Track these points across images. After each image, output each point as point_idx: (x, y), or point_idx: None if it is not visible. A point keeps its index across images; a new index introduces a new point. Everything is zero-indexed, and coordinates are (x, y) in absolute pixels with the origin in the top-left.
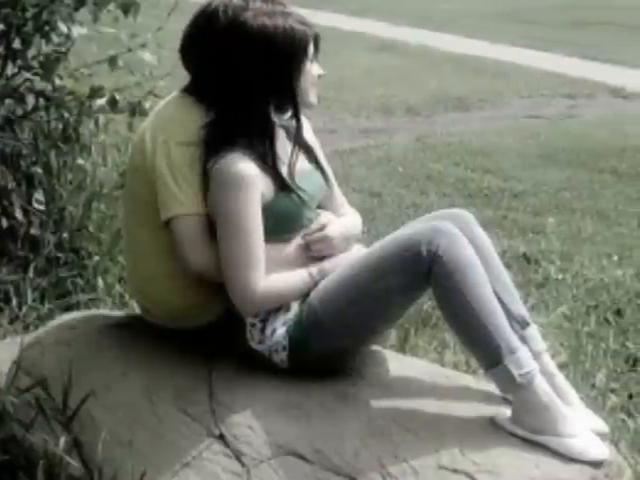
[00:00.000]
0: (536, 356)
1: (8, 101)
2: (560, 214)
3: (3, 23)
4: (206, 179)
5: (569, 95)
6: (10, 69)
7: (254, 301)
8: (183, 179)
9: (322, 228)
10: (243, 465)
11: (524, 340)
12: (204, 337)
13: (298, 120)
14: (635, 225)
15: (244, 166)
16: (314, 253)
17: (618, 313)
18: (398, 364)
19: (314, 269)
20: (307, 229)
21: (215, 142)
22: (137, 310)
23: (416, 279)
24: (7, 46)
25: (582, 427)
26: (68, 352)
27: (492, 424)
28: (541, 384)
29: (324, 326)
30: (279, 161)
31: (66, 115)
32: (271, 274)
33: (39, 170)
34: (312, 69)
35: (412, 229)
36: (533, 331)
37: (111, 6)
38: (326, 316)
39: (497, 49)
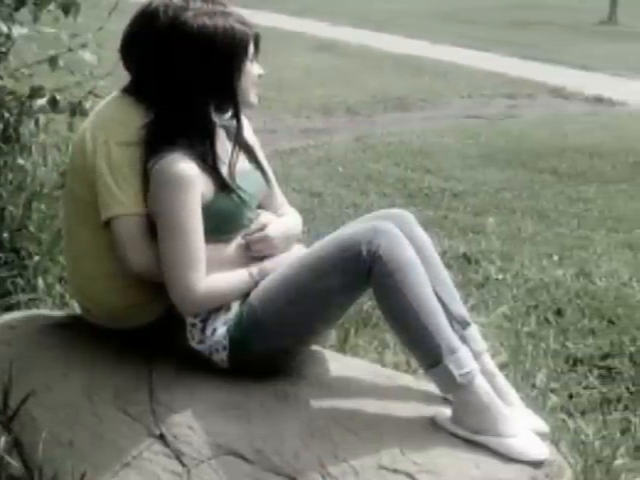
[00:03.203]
0: (476, 356)
1: None
2: (500, 214)
3: None
4: (146, 179)
5: (509, 95)
6: None
7: (194, 301)
8: (123, 179)
9: (262, 228)
10: (183, 465)
11: (464, 340)
12: (144, 337)
13: (238, 120)
14: (575, 225)
15: (184, 166)
16: (254, 253)
17: (558, 313)
18: (338, 364)
19: (254, 269)
20: (247, 229)
21: (155, 142)
22: (77, 310)
23: (356, 279)
24: None
25: (522, 427)
26: (8, 352)
27: (432, 424)
28: (481, 384)
29: (264, 326)
30: (219, 161)
31: (6, 115)
32: (212, 274)
33: None
34: (252, 69)
35: (352, 229)
36: (473, 331)
37: (51, 6)
38: (266, 316)
39: (437, 49)
